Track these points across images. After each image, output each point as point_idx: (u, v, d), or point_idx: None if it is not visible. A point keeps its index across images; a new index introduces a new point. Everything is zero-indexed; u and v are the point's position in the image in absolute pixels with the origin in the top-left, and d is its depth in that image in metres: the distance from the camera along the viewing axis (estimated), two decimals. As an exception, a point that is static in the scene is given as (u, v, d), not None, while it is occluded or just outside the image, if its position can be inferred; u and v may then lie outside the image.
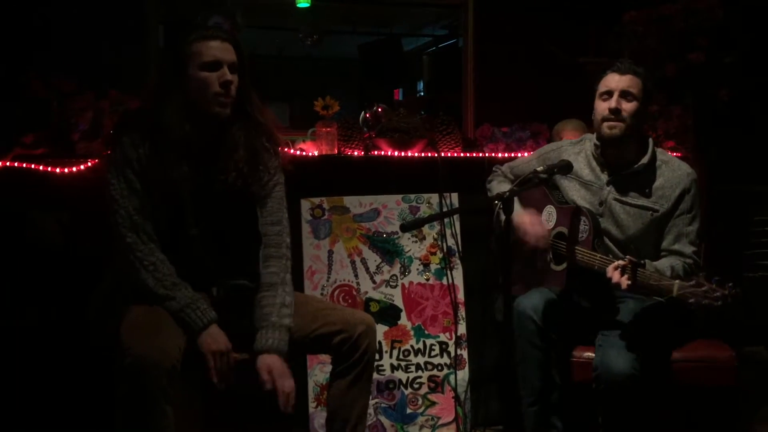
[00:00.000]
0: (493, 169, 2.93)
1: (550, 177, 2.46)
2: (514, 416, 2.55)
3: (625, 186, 2.58)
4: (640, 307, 2.52)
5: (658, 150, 2.62)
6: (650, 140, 2.60)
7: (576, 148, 2.72)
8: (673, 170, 2.56)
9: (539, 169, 2.44)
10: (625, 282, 2.24)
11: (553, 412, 2.54)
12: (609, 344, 2.38)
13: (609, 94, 2.53)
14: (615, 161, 2.59)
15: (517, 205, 2.63)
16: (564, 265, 2.50)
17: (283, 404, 2.10)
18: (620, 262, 2.27)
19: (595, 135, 2.64)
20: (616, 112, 2.50)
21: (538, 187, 2.59)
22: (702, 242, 2.55)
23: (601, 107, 2.55)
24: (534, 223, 2.58)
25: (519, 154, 3.21)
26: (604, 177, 2.61)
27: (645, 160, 2.56)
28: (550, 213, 2.66)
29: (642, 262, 2.27)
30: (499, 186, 2.81)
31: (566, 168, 2.49)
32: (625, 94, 2.51)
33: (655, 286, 2.21)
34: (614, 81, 2.53)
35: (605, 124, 2.54)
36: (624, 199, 2.56)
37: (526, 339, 2.49)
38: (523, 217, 2.60)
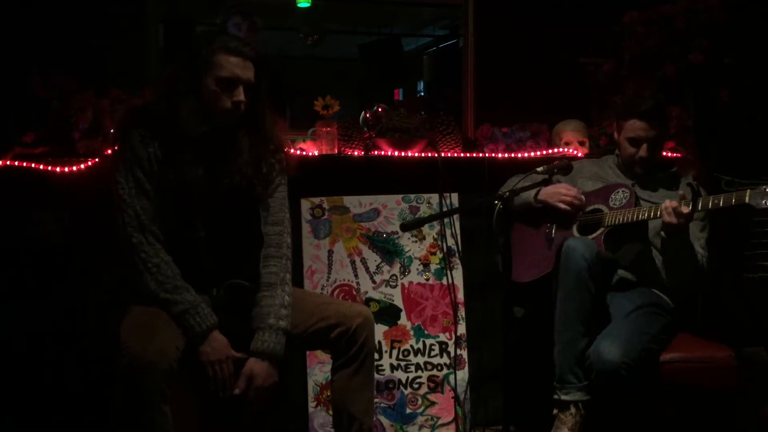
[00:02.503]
0: (512, 178, 2.89)
1: (550, 177, 2.46)
2: (516, 413, 2.53)
3: (648, 186, 2.71)
4: (644, 302, 2.53)
5: (679, 171, 2.81)
6: (676, 161, 2.80)
7: (599, 162, 2.89)
8: (691, 186, 2.67)
9: (539, 169, 2.45)
10: (685, 208, 2.35)
11: (583, 358, 2.44)
12: (604, 335, 2.40)
13: (637, 142, 2.67)
14: (641, 171, 2.73)
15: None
16: (600, 230, 2.58)
17: (250, 413, 2.12)
18: (680, 194, 2.41)
19: (616, 152, 2.80)
20: (648, 161, 2.67)
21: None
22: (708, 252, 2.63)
23: (630, 151, 2.69)
24: (567, 186, 2.71)
25: (519, 155, 3.21)
26: (629, 180, 2.74)
27: (671, 170, 2.75)
28: None
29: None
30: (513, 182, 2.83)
31: (566, 168, 2.49)
32: (654, 143, 2.65)
33: (721, 202, 2.30)
34: (643, 130, 2.65)
35: (636, 164, 2.70)
36: (647, 198, 2.66)
37: (574, 274, 2.43)
38: (555, 186, 2.72)
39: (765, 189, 2.18)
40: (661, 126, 2.68)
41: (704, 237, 2.63)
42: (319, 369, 2.91)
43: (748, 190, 2.21)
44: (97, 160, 2.82)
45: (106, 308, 2.20)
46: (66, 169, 2.79)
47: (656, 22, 3.42)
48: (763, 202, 2.18)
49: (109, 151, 2.72)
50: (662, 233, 2.49)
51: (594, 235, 2.60)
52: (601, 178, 2.79)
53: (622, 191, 2.64)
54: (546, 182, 2.49)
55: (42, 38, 3.36)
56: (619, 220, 2.56)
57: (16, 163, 2.78)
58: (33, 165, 2.79)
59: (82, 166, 2.80)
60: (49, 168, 2.78)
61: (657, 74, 3.41)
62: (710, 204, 2.35)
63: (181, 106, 2.13)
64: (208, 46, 2.16)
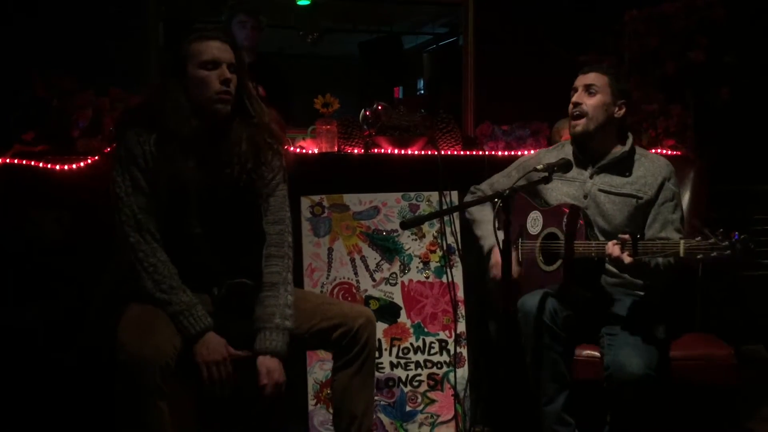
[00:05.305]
0: (471, 189, 2.92)
1: (549, 174, 2.46)
2: (513, 417, 2.54)
3: (607, 176, 2.64)
4: (634, 303, 2.53)
5: (637, 147, 2.70)
6: (630, 134, 2.68)
7: (554, 152, 2.78)
8: (652, 161, 2.64)
9: (539, 167, 2.44)
10: (626, 257, 2.27)
11: (565, 409, 2.48)
12: (620, 343, 2.37)
13: (574, 90, 2.65)
14: (594, 154, 2.65)
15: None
16: (559, 263, 2.49)
17: (262, 409, 2.16)
18: (620, 237, 2.31)
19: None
20: (576, 105, 2.61)
21: (531, 189, 2.65)
22: (683, 231, 2.58)
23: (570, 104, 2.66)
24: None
25: (519, 153, 3.21)
26: (587, 172, 2.67)
27: (626, 147, 2.63)
28: (535, 219, 2.67)
29: (638, 235, 2.31)
30: (480, 211, 2.83)
31: (566, 166, 2.48)
32: (587, 88, 2.61)
33: (660, 252, 2.24)
34: (579, 80, 2.65)
35: (571, 122, 2.65)
36: (607, 188, 2.61)
37: (535, 339, 2.44)
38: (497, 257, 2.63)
39: (698, 239, 2.12)
40: (601, 79, 2.61)
41: (678, 218, 2.56)
42: (320, 367, 2.92)
43: (682, 242, 2.15)
44: (96, 158, 2.82)
45: (106, 307, 2.20)
46: (66, 168, 2.79)
47: (656, 21, 3.43)
48: (699, 257, 2.12)
49: (108, 150, 2.72)
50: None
51: (554, 267, 2.51)
52: (559, 175, 2.60)
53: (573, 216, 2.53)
54: (546, 180, 2.49)
55: (42, 37, 3.36)
56: (574, 250, 2.46)
57: (16, 161, 2.79)
58: (33, 163, 2.79)
59: (82, 164, 2.80)
60: (49, 166, 2.79)
61: (657, 72, 3.42)
62: (653, 248, 2.25)
63: (168, 103, 2.15)
64: (185, 39, 2.20)
